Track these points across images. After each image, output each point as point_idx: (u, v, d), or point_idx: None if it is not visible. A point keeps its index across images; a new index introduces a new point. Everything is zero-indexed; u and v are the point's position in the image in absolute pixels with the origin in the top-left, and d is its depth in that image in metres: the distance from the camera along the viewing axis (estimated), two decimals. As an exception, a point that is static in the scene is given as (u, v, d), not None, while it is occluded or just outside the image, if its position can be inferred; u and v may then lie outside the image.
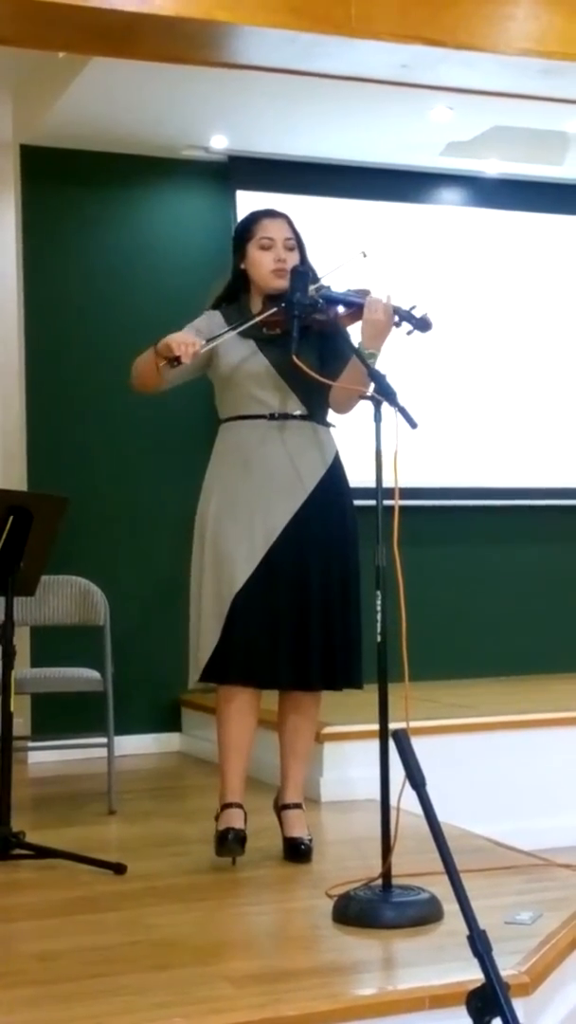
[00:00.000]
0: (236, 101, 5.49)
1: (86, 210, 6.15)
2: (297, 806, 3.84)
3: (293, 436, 3.79)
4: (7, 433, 6.33)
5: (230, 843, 3.68)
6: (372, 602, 3.32)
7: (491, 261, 6.72)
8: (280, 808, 3.85)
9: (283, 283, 3.77)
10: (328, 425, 3.88)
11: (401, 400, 3.33)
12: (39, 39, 4.45)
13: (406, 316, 3.64)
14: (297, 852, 3.77)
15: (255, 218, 3.91)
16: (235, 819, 3.73)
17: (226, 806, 3.76)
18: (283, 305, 3.67)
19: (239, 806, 3.76)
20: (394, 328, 3.64)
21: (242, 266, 3.86)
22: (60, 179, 6.10)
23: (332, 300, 3.72)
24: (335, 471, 3.84)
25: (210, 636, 3.73)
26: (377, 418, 3.34)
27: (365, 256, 3.68)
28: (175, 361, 3.62)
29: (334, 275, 3.76)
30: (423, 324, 3.64)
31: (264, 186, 6.13)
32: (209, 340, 3.72)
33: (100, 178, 6.13)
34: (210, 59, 4.58)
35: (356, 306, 3.71)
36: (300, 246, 3.86)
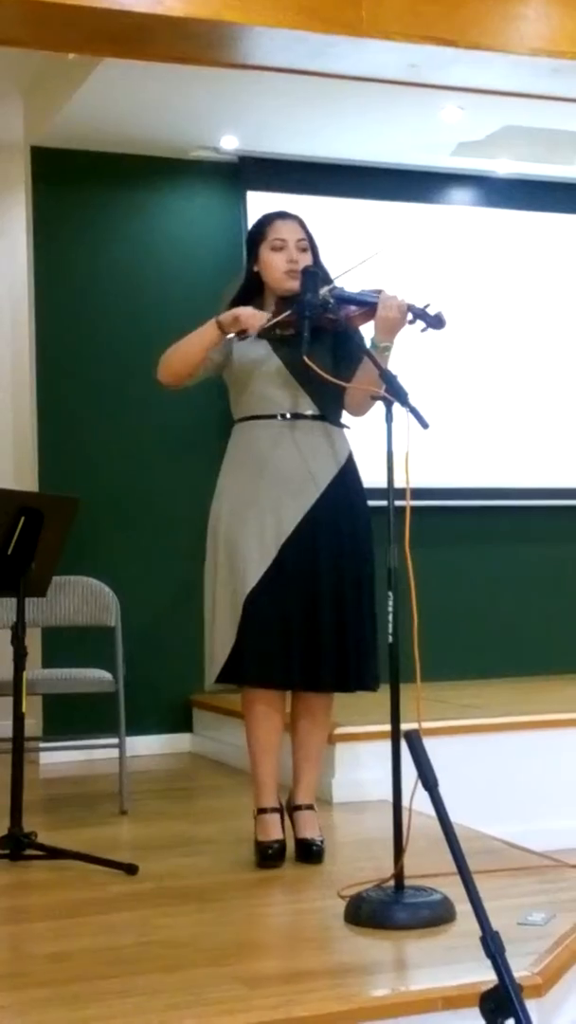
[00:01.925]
0: (246, 102, 5.50)
1: (96, 211, 6.15)
2: (309, 807, 3.84)
3: (305, 436, 3.79)
4: (19, 434, 6.34)
5: (270, 859, 3.72)
6: (384, 603, 3.32)
7: (502, 261, 6.70)
8: (292, 809, 3.85)
9: (295, 284, 3.77)
10: (342, 426, 3.87)
11: (413, 400, 3.33)
12: (49, 41, 4.45)
13: (420, 314, 3.65)
14: (309, 853, 3.77)
15: (267, 220, 3.91)
16: (273, 828, 3.76)
17: (262, 811, 3.78)
18: (294, 307, 3.68)
19: (275, 810, 3.78)
20: (408, 326, 3.65)
21: (255, 268, 3.87)
22: (70, 180, 6.10)
23: (344, 300, 3.73)
24: (348, 471, 3.84)
25: (225, 638, 3.73)
26: (389, 418, 3.34)
27: (379, 254, 3.69)
28: (243, 334, 3.70)
29: (350, 275, 3.76)
30: (437, 322, 3.65)
31: (274, 186, 6.14)
32: (271, 318, 3.72)
33: (110, 179, 6.14)
34: (220, 60, 4.58)
35: (369, 305, 3.71)
36: (313, 247, 3.87)
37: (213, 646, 3.77)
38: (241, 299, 3.90)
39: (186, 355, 3.81)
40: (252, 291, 3.89)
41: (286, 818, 3.85)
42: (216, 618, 3.77)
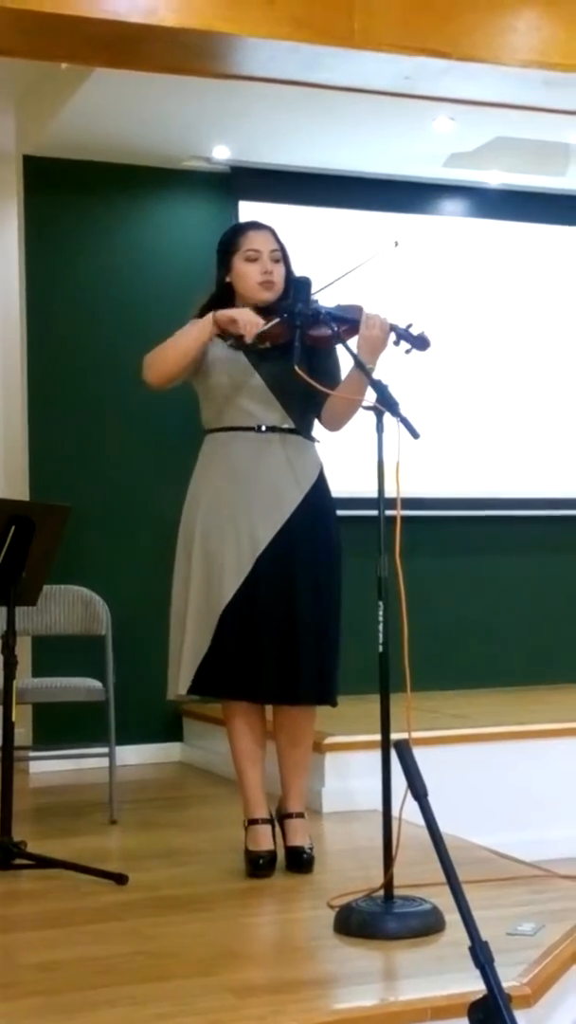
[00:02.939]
0: (238, 112, 5.50)
1: (89, 220, 6.15)
2: (299, 815, 3.84)
3: (282, 450, 3.78)
4: (9, 443, 6.34)
5: (261, 869, 3.72)
6: (374, 612, 3.32)
7: (493, 272, 6.72)
8: (283, 817, 3.85)
9: (269, 296, 3.78)
10: (313, 440, 3.87)
11: (403, 410, 3.33)
12: (42, 50, 4.46)
13: (404, 335, 3.62)
14: (299, 861, 3.77)
15: (240, 230, 3.89)
16: (264, 839, 3.76)
17: (252, 822, 3.78)
18: (285, 316, 3.67)
19: (266, 821, 3.79)
20: (392, 347, 3.63)
21: (227, 279, 3.85)
22: (63, 190, 6.10)
23: (329, 317, 3.70)
24: (320, 485, 3.84)
25: (197, 648, 3.73)
26: (379, 428, 3.34)
27: (397, 245, 3.67)
28: (239, 340, 3.64)
29: (328, 289, 3.75)
30: (421, 343, 3.61)
31: (266, 197, 6.15)
32: (268, 321, 3.67)
33: (103, 188, 6.14)
34: (213, 70, 4.58)
35: (351, 322, 3.69)
36: (285, 258, 3.85)
37: (183, 656, 3.76)
38: (211, 308, 3.86)
39: (178, 353, 3.75)
40: (223, 301, 3.85)
41: (276, 828, 3.85)
42: (188, 628, 3.75)
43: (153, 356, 3.83)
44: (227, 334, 3.70)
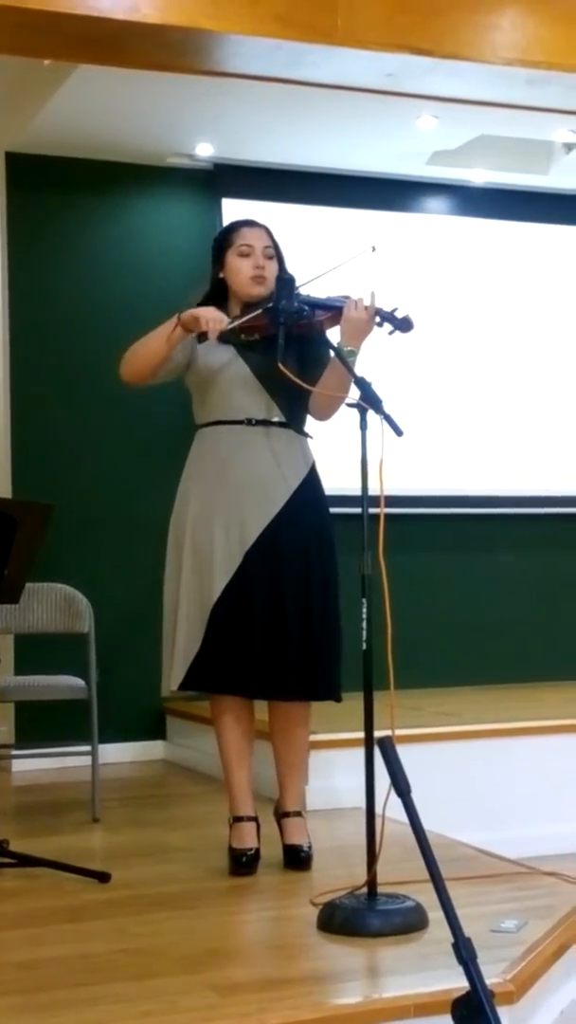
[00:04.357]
0: (222, 109, 5.50)
1: (72, 218, 6.14)
2: (297, 814, 3.84)
3: (272, 443, 3.78)
4: (-8, 440, 6.32)
5: (244, 866, 3.71)
6: (357, 610, 3.32)
7: (477, 270, 6.73)
8: (280, 816, 3.85)
9: (261, 290, 3.78)
10: (305, 435, 3.87)
11: (387, 407, 3.33)
12: (25, 46, 4.44)
13: (387, 317, 3.65)
14: (297, 859, 3.78)
15: (234, 227, 3.91)
16: (248, 837, 3.76)
17: (238, 819, 3.78)
18: (267, 308, 3.67)
19: (251, 819, 3.78)
20: (376, 328, 3.65)
21: (221, 275, 3.85)
22: (45, 186, 6.09)
23: (314, 305, 3.72)
24: (312, 480, 3.84)
25: (189, 644, 3.72)
26: (363, 426, 3.35)
27: (375, 250, 3.69)
28: (203, 336, 3.65)
29: (318, 281, 3.75)
30: (404, 324, 3.65)
31: (250, 194, 6.14)
32: (233, 320, 3.69)
33: (86, 185, 6.13)
34: (196, 67, 4.58)
35: (336, 308, 3.71)
36: (279, 255, 3.87)
37: (175, 652, 3.75)
38: (206, 305, 3.87)
39: (148, 352, 3.76)
40: (217, 297, 3.87)
41: (272, 826, 3.85)
42: (180, 623, 3.75)
43: (127, 354, 3.84)
44: (194, 331, 3.69)
